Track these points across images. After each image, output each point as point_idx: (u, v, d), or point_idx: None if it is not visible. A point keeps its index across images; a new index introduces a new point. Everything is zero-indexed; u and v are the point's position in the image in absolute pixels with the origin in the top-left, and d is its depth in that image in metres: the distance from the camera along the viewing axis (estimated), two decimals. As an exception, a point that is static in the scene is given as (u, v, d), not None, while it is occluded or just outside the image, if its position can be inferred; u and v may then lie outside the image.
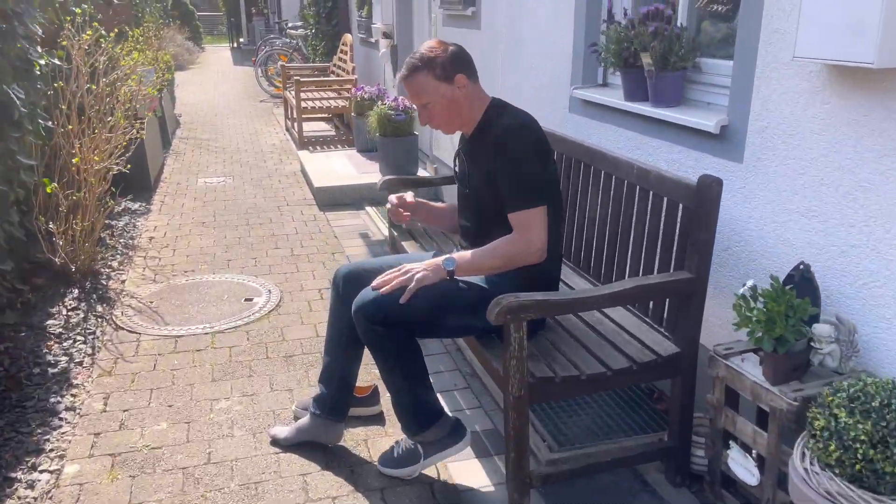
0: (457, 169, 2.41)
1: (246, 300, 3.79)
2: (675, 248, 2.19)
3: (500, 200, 2.16)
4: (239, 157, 7.48)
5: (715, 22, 2.72)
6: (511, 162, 2.10)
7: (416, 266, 2.15)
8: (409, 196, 2.50)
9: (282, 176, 6.63)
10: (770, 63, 2.13)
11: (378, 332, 2.12)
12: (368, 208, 5.52)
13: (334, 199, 5.64)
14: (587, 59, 3.25)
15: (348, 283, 2.45)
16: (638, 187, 2.37)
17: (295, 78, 7.79)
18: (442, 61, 2.16)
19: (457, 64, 2.19)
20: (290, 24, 13.69)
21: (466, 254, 2.16)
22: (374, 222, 5.18)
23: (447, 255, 2.15)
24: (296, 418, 2.69)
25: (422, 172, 5.89)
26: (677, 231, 2.18)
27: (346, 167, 6.20)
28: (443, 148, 5.58)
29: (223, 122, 9.71)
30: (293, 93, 7.54)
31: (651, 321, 2.30)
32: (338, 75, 8.27)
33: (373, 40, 7.50)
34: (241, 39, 23.47)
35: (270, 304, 3.75)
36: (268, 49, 12.50)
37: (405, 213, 2.47)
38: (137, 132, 5.09)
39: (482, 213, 2.28)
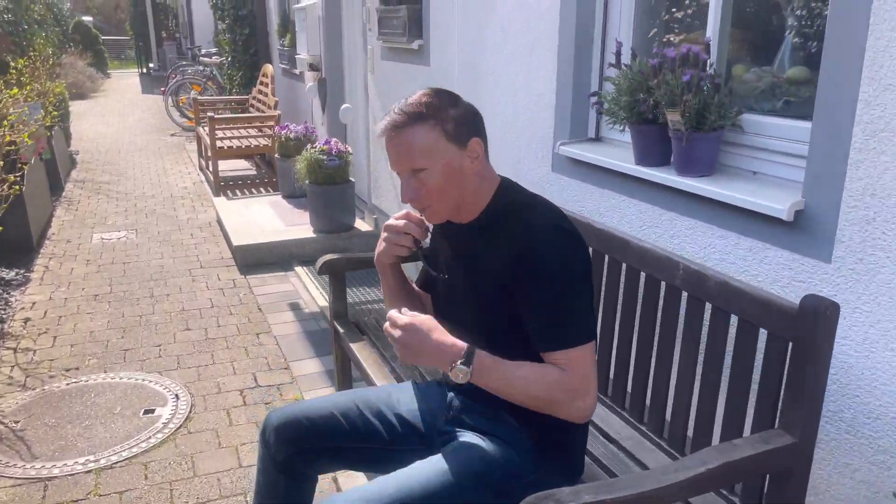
0: (437, 260, 1.71)
1: (146, 412, 2.95)
2: (755, 389, 1.55)
3: (515, 320, 1.48)
4: (144, 204, 6.54)
5: (752, 65, 2.13)
6: (550, 283, 1.43)
7: (418, 337, 1.41)
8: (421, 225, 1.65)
9: (195, 228, 5.75)
10: (878, 131, 1.53)
11: None
12: (298, 269, 4.73)
13: (257, 259, 4.83)
14: (577, 108, 2.63)
15: (283, 441, 1.69)
16: (686, 294, 1.73)
17: (209, 114, 6.92)
18: (455, 115, 1.48)
19: (474, 124, 1.52)
20: (203, 51, 12.72)
21: (494, 360, 1.42)
22: (307, 287, 4.41)
23: (466, 347, 1.40)
24: None
25: (360, 224, 5.15)
26: (758, 366, 1.55)
27: (270, 218, 5.39)
28: (385, 195, 4.88)
29: (127, 160, 8.69)
30: (207, 130, 6.68)
31: (723, 492, 1.65)
32: (258, 110, 7.45)
33: (297, 72, 6.75)
34: (151, 65, 22.11)
35: (178, 417, 2.92)
36: (179, 78, 11.50)
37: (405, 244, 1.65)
38: (10, 188, 4.17)
39: (491, 334, 1.57)
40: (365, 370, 2.34)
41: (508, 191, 1.57)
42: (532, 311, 1.45)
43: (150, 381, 3.22)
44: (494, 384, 1.42)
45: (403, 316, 1.43)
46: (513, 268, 1.46)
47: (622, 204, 2.38)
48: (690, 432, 1.73)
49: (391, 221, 1.65)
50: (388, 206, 4.80)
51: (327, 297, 4.11)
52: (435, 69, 3.77)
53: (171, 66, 15.11)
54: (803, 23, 2.03)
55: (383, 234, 1.67)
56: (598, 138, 2.66)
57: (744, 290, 1.56)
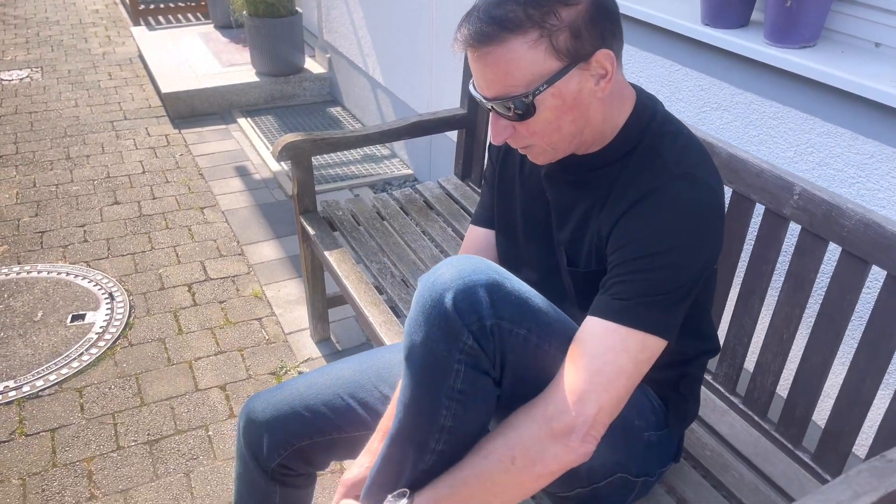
0: (510, 193, 1.21)
1: (74, 319, 2.46)
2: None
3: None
4: (49, 32, 5.53)
5: None
6: (656, 252, 0.95)
7: None
8: None
9: (113, 66, 4.89)
10: None
11: None
12: (242, 121, 4.06)
13: (192, 109, 4.12)
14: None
15: (279, 443, 1.24)
16: (800, 229, 1.28)
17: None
18: (572, 20, 0.92)
19: (600, 26, 0.94)
20: None
21: (438, 488, 0.96)
22: (254, 145, 3.78)
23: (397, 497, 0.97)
24: None
25: (311, 64, 4.42)
26: (910, 341, 1.15)
27: (203, 56, 4.58)
28: (339, 29, 4.13)
29: (23, -26, 7.36)
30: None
31: None
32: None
33: None
34: None
35: (115, 325, 2.45)
36: None
37: None
38: None
39: (581, 298, 1.11)
40: (347, 289, 1.88)
41: (645, 116, 1.03)
42: (610, 272, 0.98)
43: (76, 276, 2.69)
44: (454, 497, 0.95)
45: None
46: (613, 225, 1.00)
47: (675, 75, 1.84)
48: (820, 421, 1.36)
49: None
50: (343, 43, 4.06)
51: (282, 163, 3.54)
52: None
53: None
54: None
55: None
56: (636, -21, 2.04)
57: (903, 238, 1.12)
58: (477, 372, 0.93)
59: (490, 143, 1.28)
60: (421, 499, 0.96)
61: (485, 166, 1.68)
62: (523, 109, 0.95)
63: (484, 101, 0.98)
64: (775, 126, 1.61)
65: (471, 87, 1.01)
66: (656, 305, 0.94)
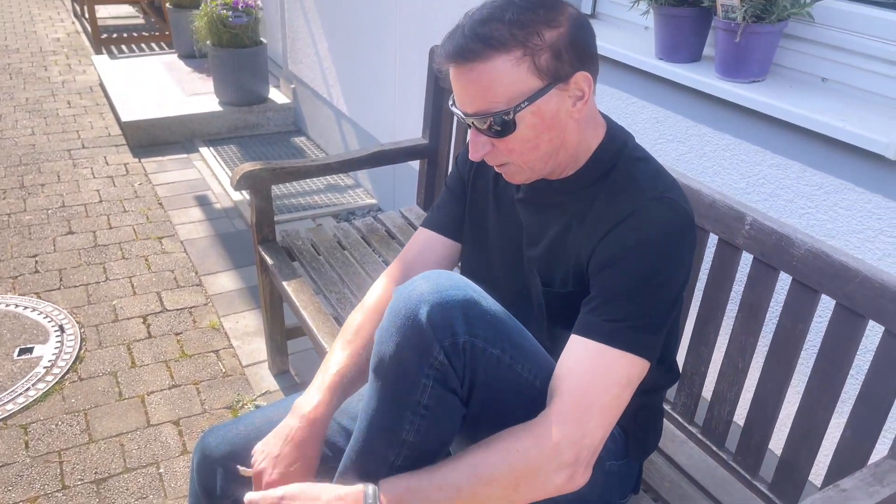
0: (480, 205, 1.22)
1: (22, 352, 2.37)
2: (853, 396, 1.17)
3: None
4: (7, 60, 5.44)
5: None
6: (633, 277, 0.97)
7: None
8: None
9: (73, 94, 4.82)
10: None
11: None
12: (204, 150, 4.02)
13: (153, 138, 4.06)
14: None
15: (235, 479, 1.21)
16: (752, 259, 1.29)
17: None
18: (553, 41, 0.94)
19: (580, 49, 0.97)
20: None
21: (410, 479, 0.93)
22: (215, 174, 3.74)
23: (363, 488, 0.94)
24: None
25: (275, 94, 4.40)
26: (860, 368, 1.16)
27: (165, 85, 4.54)
28: (304, 60, 4.13)
29: (-17, 1, 7.27)
30: (78, -31, 5.51)
31: None
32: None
33: None
34: None
35: (64, 358, 2.36)
36: None
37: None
38: None
39: (553, 316, 1.12)
40: (305, 319, 1.84)
41: (617, 143, 1.05)
42: (596, 293, 1.00)
43: (25, 308, 2.60)
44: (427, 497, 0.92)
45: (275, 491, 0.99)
46: (594, 248, 1.01)
47: (632, 107, 1.87)
48: (777, 450, 1.36)
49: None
50: (308, 74, 4.07)
51: (243, 192, 3.50)
52: None
53: None
54: None
55: None
56: (594, 15, 2.09)
57: (849, 265, 1.14)
58: (444, 389, 0.92)
59: (460, 154, 1.28)
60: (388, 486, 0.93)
61: (449, 172, 1.68)
62: (503, 126, 0.95)
63: (464, 116, 0.98)
64: (728, 158, 1.64)
65: (450, 104, 1.02)
66: (645, 329, 0.96)
